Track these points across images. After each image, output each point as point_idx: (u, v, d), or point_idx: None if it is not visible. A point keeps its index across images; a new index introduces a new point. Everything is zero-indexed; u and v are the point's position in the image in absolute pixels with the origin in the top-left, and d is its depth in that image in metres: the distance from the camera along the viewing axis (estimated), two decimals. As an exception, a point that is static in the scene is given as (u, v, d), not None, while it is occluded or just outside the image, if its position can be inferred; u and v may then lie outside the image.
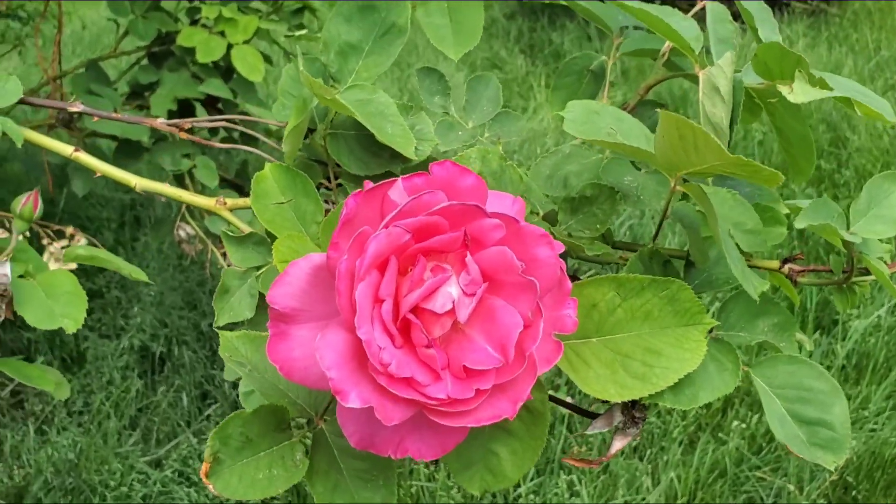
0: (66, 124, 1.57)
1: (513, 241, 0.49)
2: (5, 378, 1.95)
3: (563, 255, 0.68)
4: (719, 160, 0.50)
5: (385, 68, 0.69)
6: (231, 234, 0.70)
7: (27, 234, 1.41)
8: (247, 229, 0.73)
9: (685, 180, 0.57)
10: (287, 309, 0.49)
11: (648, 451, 1.88)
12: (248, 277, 0.70)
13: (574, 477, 1.79)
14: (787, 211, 0.67)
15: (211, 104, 1.86)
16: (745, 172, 0.51)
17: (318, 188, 0.74)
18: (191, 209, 1.55)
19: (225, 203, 0.77)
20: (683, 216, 0.62)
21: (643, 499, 1.76)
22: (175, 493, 1.66)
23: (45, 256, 1.55)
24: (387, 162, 0.68)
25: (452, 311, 0.48)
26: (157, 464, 1.72)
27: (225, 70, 1.80)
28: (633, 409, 0.59)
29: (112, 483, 1.63)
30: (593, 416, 0.61)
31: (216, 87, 1.73)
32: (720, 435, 1.91)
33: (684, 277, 0.64)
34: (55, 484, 1.66)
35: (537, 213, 0.64)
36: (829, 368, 1.94)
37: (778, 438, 0.57)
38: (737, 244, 0.58)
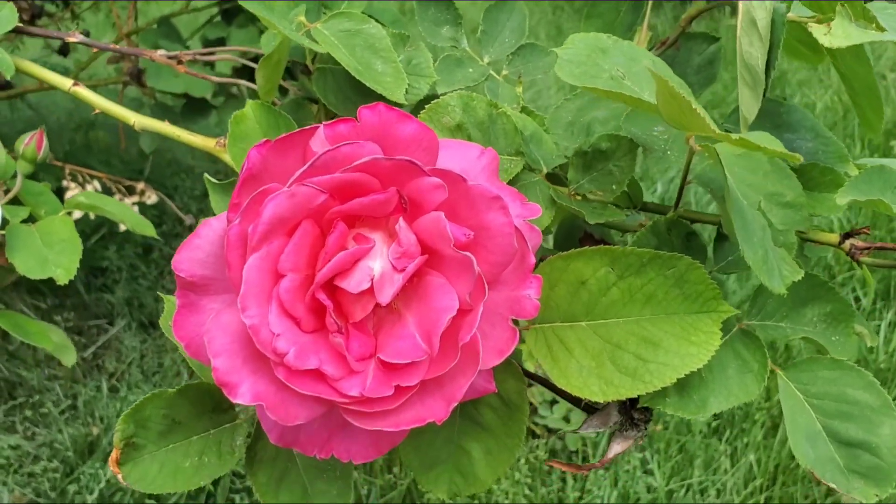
0: (138, 80, 1.55)
1: (460, 205, 0.40)
2: (88, 341, 1.99)
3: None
4: (705, 133, 0.39)
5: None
6: (214, 180, 0.63)
7: (97, 186, 1.40)
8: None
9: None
10: (195, 277, 0.41)
11: (728, 432, 1.74)
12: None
13: (647, 454, 1.67)
14: (855, 172, 0.54)
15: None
16: (744, 149, 0.40)
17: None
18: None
19: (225, 145, 0.70)
20: (710, 181, 0.50)
21: (720, 480, 1.63)
22: (240, 453, 1.65)
23: (116, 213, 1.54)
24: (378, 100, 0.59)
25: (371, 291, 0.39)
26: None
27: (295, 28, 1.75)
28: (631, 409, 0.49)
29: (178, 441, 1.63)
30: (589, 409, 0.51)
31: (281, 44, 1.68)
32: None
33: (714, 254, 0.53)
34: (125, 439, 1.68)
35: (539, 171, 0.53)
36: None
37: (802, 462, 0.45)
38: (769, 221, 0.47)
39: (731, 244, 0.52)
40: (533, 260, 0.41)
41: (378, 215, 0.41)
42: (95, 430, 1.72)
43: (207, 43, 1.79)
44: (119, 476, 0.45)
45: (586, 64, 0.46)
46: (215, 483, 1.59)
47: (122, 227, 1.63)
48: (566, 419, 1.76)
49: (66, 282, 0.75)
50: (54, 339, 0.85)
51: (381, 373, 0.39)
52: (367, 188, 0.40)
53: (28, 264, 0.75)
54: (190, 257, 0.41)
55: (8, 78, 0.70)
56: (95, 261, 2.18)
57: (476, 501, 1.58)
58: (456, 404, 0.39)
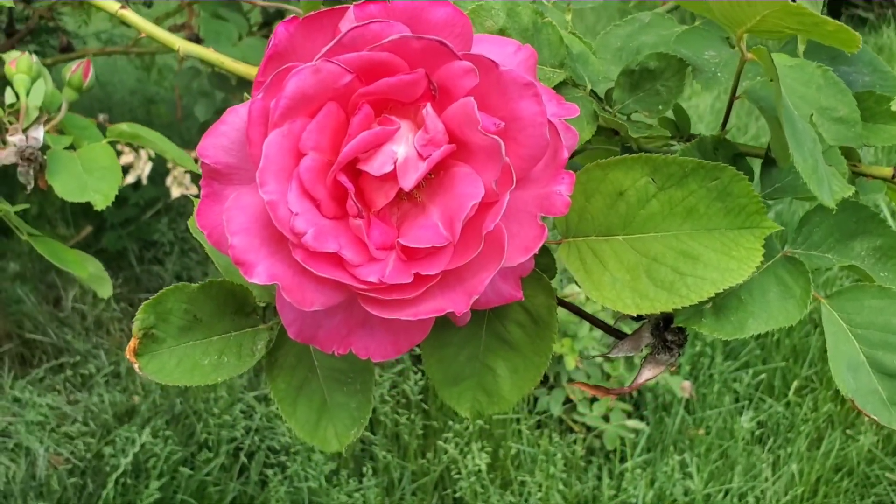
0: (197, 42, 1.60)
1: (490, 92, 0.38)
2: (136, 311, 2.01)
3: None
4: (767, 7, 0.37)
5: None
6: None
7: (150, 152, 1.40)
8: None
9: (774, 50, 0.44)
10: (220, 165, 0.40)
11: (771, 441, 1.70)
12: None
13: (686, 457, 1.64)
14: (916, 105, 0.51)
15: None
16: (803, 26, 0.38)
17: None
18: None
19: (267, 71, 0.69)
20: (761, 97, 0.48)
21: (759, 488, 1.59)
22: (278, 428, 1.64)
23: (169, 180, 1.55)
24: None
25: (394, 176, 0.38)
26: (264, 399, 1.72)
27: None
28: (664, 331, 0.47)
29: (216, 411, 1.63)
30: (619, 335, 0.49)
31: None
32: (850, 432, 1.70)
33: (761, 179, 0.51)
34: (164, 406, 1.68)
35: (583, 87, 0.51)
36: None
37: (843, 390, 0.43)
38: (819, 134, 0.44)
39: (779, 170, 0.50)
40: (566, 155, 0.39)
41: (405, 100, 0.39)
42: (136, 399, 1.73)
43: (268, 15, 1.79)
44: (136, 366, 0.45)
45: (633, -39, 0.44)
46: (250, 456, 1.60)
47: (175, 194, 1.63)
48: (605, 418, 1.73)
49: (104, 207, 0.75)
50: (90, 270, 0.85)
51: (401, 261, 0.38)
52: (394, 70, 0.38)
53: (67, 187, 0.76)
54: (215, 143, 0.40)
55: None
56: (148, 234, 2.20)
57: (509, 493, 1.56)
58: (476, 297, 0.38)
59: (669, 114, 0.55)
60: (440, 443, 1.60)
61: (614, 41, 0.57)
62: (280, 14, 1.81)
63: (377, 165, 0.38)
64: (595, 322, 0.51)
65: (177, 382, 0.45)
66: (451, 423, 1.65)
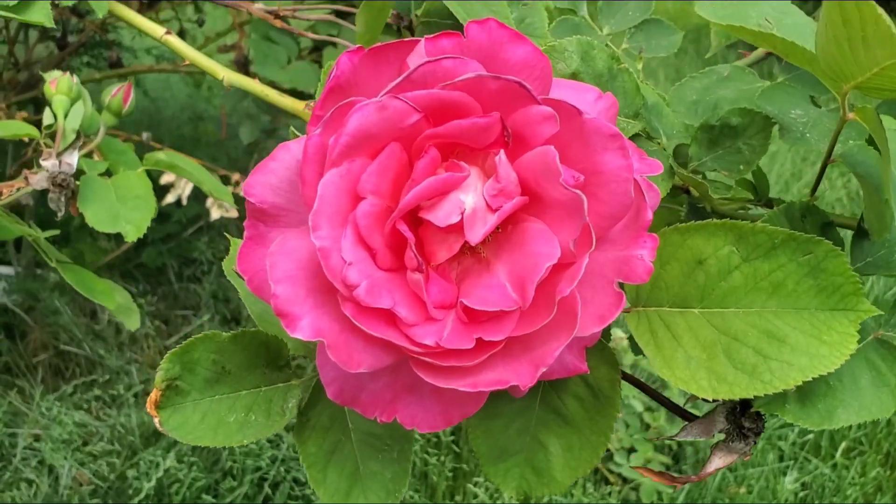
0: (245, 69, 1.60)
1: (571, 145, 0.34)
2: (172, 329, 1.97)
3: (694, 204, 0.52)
4: (893, 56, 0.32)
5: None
6: (299, 134, 0.59)
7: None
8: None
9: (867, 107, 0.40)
10: (266, 205, 0.36)
11: (815, 505, 1.63)
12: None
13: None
14: None
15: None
16: None
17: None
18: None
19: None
20: (858, 162, 0.43)
21: None
22: (304, 460, 1.60)
23: (209, 202, 1.52)
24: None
25: (460, 227, 0.34)
26: (292, 428, 1.67)
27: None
28: (741, 416, 0.42)
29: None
30: (689, 416, 0.45)
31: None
32: (903, 499, 1.63)
33: (851, 252, 0.46)
34: (191, 432, 1.65)
35: (658, 142, 0.48)
36: None
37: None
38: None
39: (872, 243, 0.45)
40: (650, 216, 0.35)
41: (476, 146, 0.35)
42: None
43: (319, 42, 1.78)
44: (156, 420, 0.41)
45: (733, 7, 0.40)
46: (274, 487, 1.55)
47: (215, 216, 1.60)
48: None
49: (135, 239, 0.71)
50: (118, 300, 0.81)
51: (461, 323, 0.34)
52: (467, 111, 0.34)
53: (99, 217, 0.72)
54: (262, 181, 0.36)
55: (100, 16, 0.68)
56: (188, 251, 2.18)
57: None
58: (544, 369, 0.33)
59: (747, 174, 0.51)
60: (470, 486, 1.54)
61: (689, 94, 0.53)
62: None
63: (442, 215, 0.34)
64: (662, 401, 0.46)
65: (199, 442, 0.41)
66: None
